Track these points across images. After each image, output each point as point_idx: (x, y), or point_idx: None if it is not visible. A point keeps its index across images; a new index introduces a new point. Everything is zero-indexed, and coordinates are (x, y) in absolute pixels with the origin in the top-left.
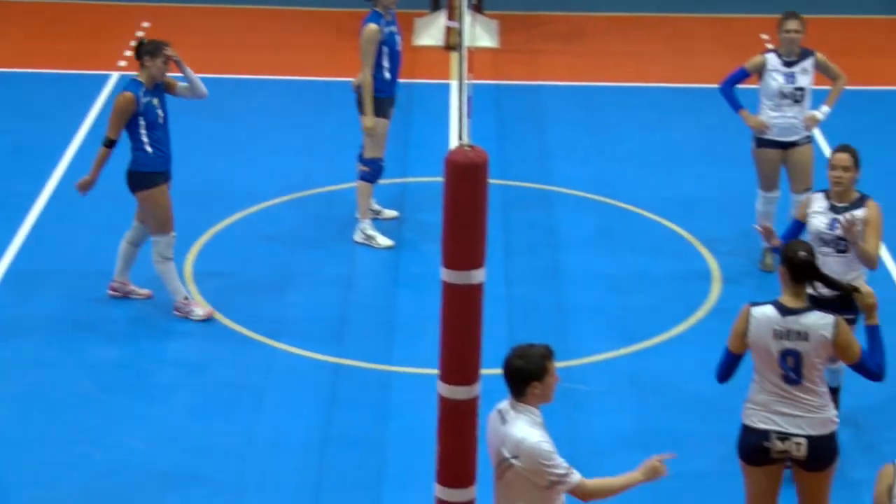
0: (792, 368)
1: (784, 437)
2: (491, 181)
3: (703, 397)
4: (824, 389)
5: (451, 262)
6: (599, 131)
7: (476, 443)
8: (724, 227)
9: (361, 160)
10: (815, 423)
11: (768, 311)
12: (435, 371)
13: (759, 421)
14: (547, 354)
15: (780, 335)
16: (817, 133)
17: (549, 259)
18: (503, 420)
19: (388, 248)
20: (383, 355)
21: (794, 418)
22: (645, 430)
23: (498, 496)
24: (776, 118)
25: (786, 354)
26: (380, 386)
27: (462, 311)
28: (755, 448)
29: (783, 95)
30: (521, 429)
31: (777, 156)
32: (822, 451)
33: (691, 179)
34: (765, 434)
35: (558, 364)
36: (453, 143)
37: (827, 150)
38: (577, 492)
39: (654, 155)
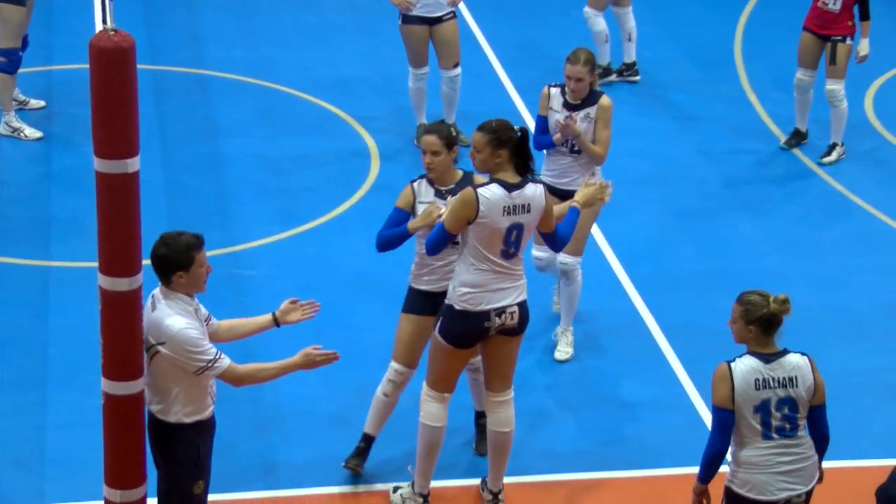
0: (514, 242)
1: (500, 311)
2: (141, 67)
3: (365, 272)
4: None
5: (104, 151)
6: (252, 13)
7: (141, 335)
8: (378, 105)
9: None
10: (522, 289)
11: (495, 190)
12: (95, 264)
13: (479, 303)
14: (195, 244)
15: (508, 210)
16: (462, 7)
17: (207, 145)
18: (153, 307)
19: (38, 139)
20: (41, 251)
21: (509, 290)
22: None
23: (150, 380)
24: None
25: (512, 229)
26: (39, 282)
27: (118, 202)
28: (475, 331)
29: None
30: (168, 316)
31: (423, 32)
32: (526, 314)
33: (345, 59)
34: (486, 315)
35: (222, 251)
36: (98, 27)
37: (473, 24)
38: (228, 376)
39: (307, 35)
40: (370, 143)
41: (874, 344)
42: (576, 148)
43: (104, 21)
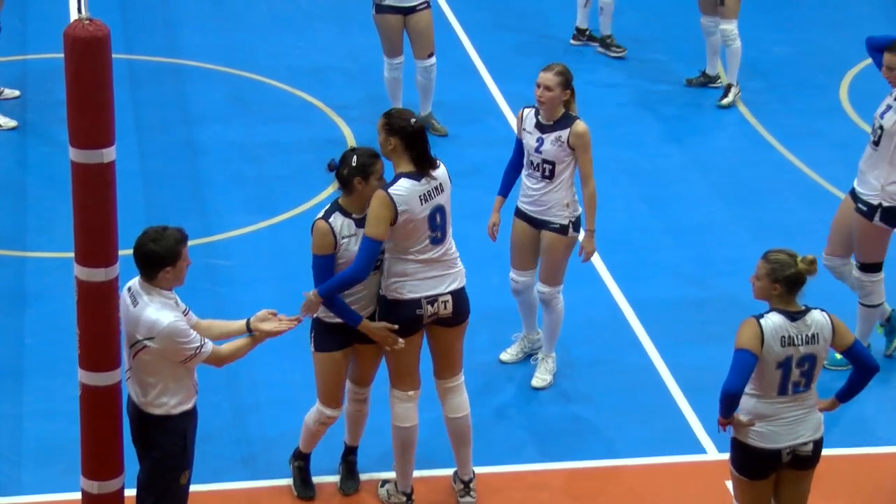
0: (440, 226)
1: (432, 299)
2: (116, 56)
3: None
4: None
5: (79, 141)
6: (226, 1)
7: (118, 325)
8: (353, 93)
9: None
10: (458, 277)
11: (403, 183)
12: (71, 254)
13: (409, 291)
14: (181, 238)
15: (424, 198)
16: None
17: (182, 134)
18: (135, 302)
19: (12, 129)
20: (16, 241)
21: (441, 278)
22: (288, 297)
23: (131, 373)
24: None
25: (434, 214)
26: (15, 273)
27: (94, 191)
28: (409, 318)
29: None
30: (154, 312)
31: (397, 21)
32: (463, 303)
33: (320, 47)
34: (417, 302)
35: (199, 240)
36: (73, 16)
37: (449, 13)
38: (213, 359)
39: (282, 24)
40: (346, 131)
41: None
42: (547, 172)
43: (79, 10)
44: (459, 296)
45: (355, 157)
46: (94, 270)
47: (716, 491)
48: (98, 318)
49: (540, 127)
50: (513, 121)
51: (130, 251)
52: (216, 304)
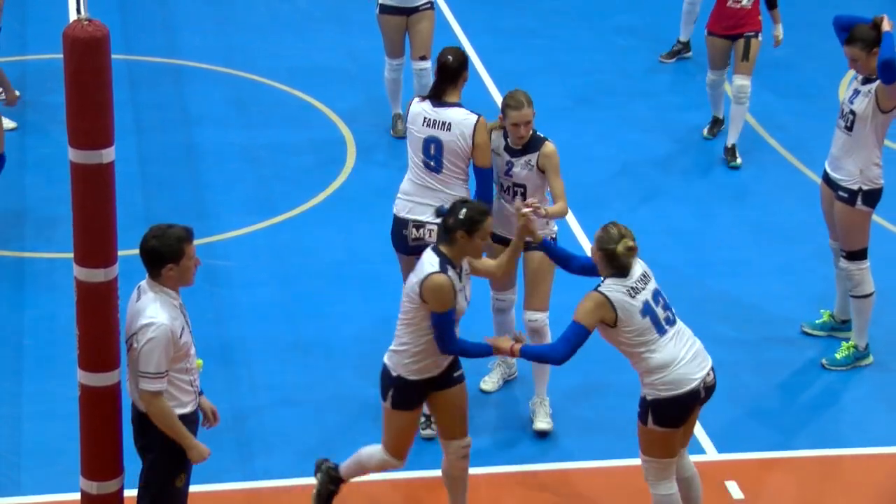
0: (433, 156)
1: (419, 224)
2: (115, 56)
3: (341, 262)
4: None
5: (78, 141)
6: (226, 2)
7: (117, 326)
8: (353, 94)
9: None
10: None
11: (419, 102)
12: (71, 255)
13: (400, 210)
14: (185, 237)
15: (427, 122)
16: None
17: (182, 134)
18: (139, 297)
19: (12, 130)
20: (16, 241)
21: (429, 208)
22: (286, 298)
23: (130, 373)
24: None
25: (429, 142)
26: (14, 273)
27: (94, 192)
28: (398, 234)
29: None
30: (153, 309)
31: (399, 22)
32: None
33: (320, 48)
34: (405, 223)
35: (198, 242)
36: (72, 17)
37: (449, 14)
38: (146, 398)
39: (281, 24)
40: (345, 132)
41: None
42: (520, 195)
43: (78, 10)
44: None
45: (465, 210)
46: (93, 271)
47: (716, 491)
48: (97, 318)
49: (509, 150)
50: None
51: (130, 252)
52: (215, 304)
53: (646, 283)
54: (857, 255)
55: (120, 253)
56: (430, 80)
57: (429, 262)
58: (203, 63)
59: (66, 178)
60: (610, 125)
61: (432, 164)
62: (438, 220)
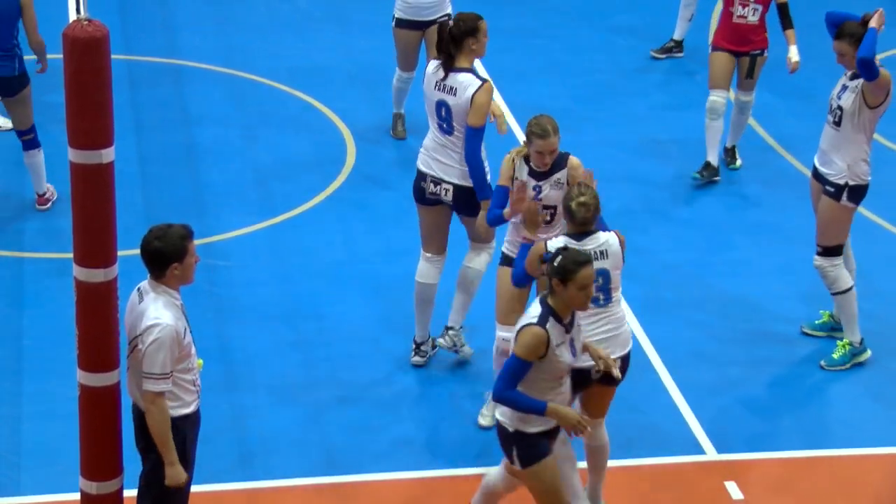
0: (444, 118)
1: (437, 181)
2: (115, 56)
3: (341, 262)
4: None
5: (78, 141)
6: (226, 1)
7: (117, 326)
8: (353, 94)
9: None
10: (465, 176)
11: (432, 67)
12: (70, 255)
13: (421, 163)
14: (186, 235)
15: (438, 87)
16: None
17: (181, 134)
18: (141, 299)
19: (11, 130)
20: (15, 241)
21: (445, 166)
22: (289, 299)
23: (131, 373)
24: None
25: (440, 105)
26: (14, 273)
27: (93, 192)
28: (417, 187)
29: None
30: (157, 310)
31: (416, 36)
32: (471, 198)
33: (319, 48)
34: (423, 176)
35: (198, 242)
36: (72, 17)
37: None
38: (149, 397)
39: (281, 24)
40: (345, 132)
41: None
42: (548, 217)
43: (78, 11)
44: (459, 189)
45: (559, 258)
46: (93, 271)
47: (716, 491)
48: (97, 318)
49: (534, 174)
50: (518, 130)
51: (129, 252)
52: (215, 304)
53: (596, 259)
54: (832, 251)
55: (120, 253)
56: None
57: (530, 312)
58: (203, 63)
59: (66, 178)
60: (610, 125)
61: (444, 125)
62: (457, 182)
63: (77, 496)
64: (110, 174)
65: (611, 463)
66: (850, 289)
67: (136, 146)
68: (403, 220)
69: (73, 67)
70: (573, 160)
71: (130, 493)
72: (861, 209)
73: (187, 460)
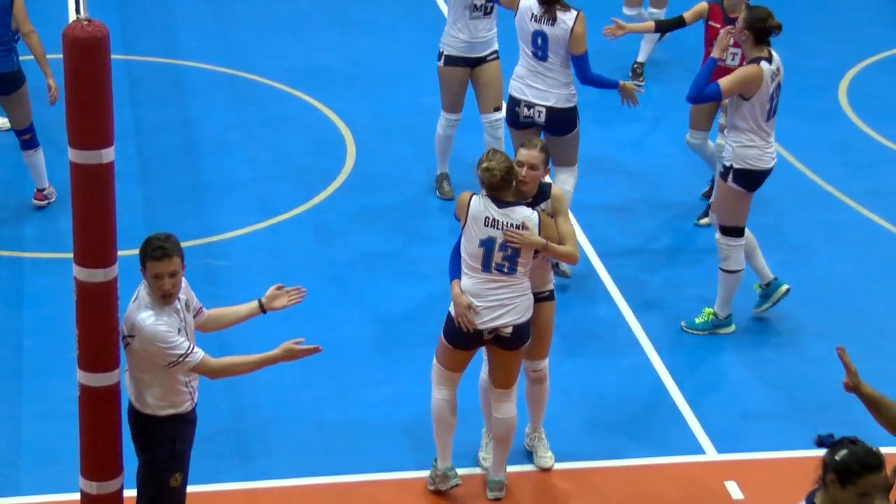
0: (540, 47)
1: (530, 105)
2: (114, 56)
3: (340, 263)
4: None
5: (78, 141)
6: (225, 2)
7: (117, 326)
8: (353, 95)
9: None
10: (558, 99)
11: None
12: (70, 255)
13: (515, 91)
14: (147, 252)
15: (534, 17)
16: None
17: (181, 134)
18: (135, 297)
19: (8, 130)
20: (15, 241)
21: (540, 91)
22: None
23: (127, 370)
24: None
25: (537, 35)
26: (13, 273)
27: (93, 192)
28: (511, 112)
29: (475, 8)
30: (143, 309)
31: (464, 74)
32: (561, 119)
33: (319, 48)
34: (517, 102)
35: (197, 242)
36: (71, 17)
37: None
38: (202, 369)
39: (281, 24)
40: (345, 132)
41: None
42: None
43: (77, 11)
44: (552, 111)
45: (845, 451)
46: (92, 271)
47: (716, 491)
48: (97, 318)
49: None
50: None
51: (129, 252)
52: (214, 304)
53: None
54: (730, 231)
55: (120, 253)
56: (504, 130)
57: None
58: (203, 63)
59: (66, 179)
60: (610, 125)
61: (539, 53)
62: (550, 104)
63: (77, 496)
64: (110, 174)
65: (611, 462)
66: (737, 271)
67: (135, 146)
68: (403, 219)
69: (73, 67)
70: (556, 189)
71: (130, 493)
72: (861, 209)
73: (178, 461)
